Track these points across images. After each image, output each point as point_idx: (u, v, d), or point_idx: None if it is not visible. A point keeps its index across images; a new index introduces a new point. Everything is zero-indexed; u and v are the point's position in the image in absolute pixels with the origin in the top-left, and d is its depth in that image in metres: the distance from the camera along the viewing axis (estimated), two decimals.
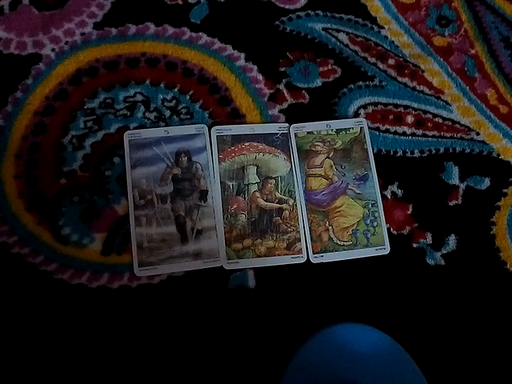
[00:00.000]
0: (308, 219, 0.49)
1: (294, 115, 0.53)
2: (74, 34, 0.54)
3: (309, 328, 0.45)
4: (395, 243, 0.49)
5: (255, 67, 0.54)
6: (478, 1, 0.59)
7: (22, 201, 0.48)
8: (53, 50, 0.53)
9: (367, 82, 0.55)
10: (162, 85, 0.52)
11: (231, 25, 0.56)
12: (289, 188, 0.50)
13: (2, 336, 0.44)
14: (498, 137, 0.54)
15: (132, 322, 0.45)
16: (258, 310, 0.46)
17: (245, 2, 0.57)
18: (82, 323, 0.45)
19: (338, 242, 0.49)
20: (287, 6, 0.57)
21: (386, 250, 0.49)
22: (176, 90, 0.52)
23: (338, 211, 0.49)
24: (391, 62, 0.56)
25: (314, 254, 0.48)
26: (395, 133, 0.53)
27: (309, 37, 0.56)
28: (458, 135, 0.53)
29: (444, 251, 0.49)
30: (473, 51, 0.57)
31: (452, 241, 0.50)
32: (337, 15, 0.57)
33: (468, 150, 0.53)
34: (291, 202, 0.49)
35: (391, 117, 0.54)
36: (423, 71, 0.56)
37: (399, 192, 0.51)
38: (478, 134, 0.54)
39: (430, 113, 0.54)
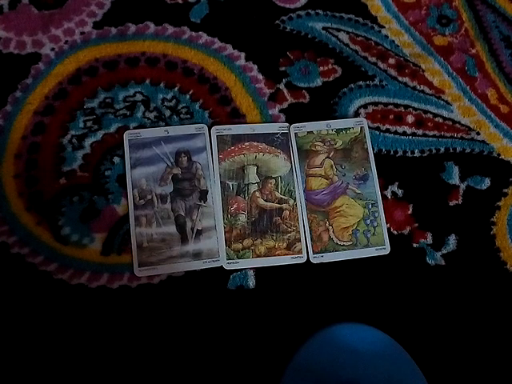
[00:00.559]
0: (308, 219, 0.49)
1: (294, 115, 0.52)
2: (73, 33, 0.53)
3: (309, 328, 0.45)
4: (395, 243, 0.49)
5: (255, 67, 0.54)
6: (478, 0, 0.59)
7: (22, 201, 0.48)
8: (52, 49, 0.53)
9: (367, 82, 0.54)
10: (161, 84, 0.52)
11: (231, 24, 0.55)
12: (289, 188, 0.50)
13: (2, 336, 0.44)
14: (499, 137, 0.53)
15: (132, 322, 0.45)
16: (258, 310, 0.46)
17: (245, 2, 0.57)
18: (82, 323, 0.45)
19: (338, 242, 0.49)
20: (287, 6, 0.57)
21: (386, 250, 0.49)
22: (176, 89, 0.52)
23: (338, 211, 0.49)
24: (391, 61, 0.56)
25: (314, 254, 0.48)
26: (395, 132, 0.53)
27: (309, 36, 0.56)
28: (459, 135, 0.53)
29: (444, 251, 0.49)
30: (473, 51, 0.57)
31: (452, 241, 0.50)
32: (337, 14, 0.57)
33: (468, 150, 0.53)
34: (291, 201, 0.49)
35: (391, 116, 0.54)
36: (424, 71, 0.55)
37: (399, 192, 0.51)
38: (478, 133, 0.54)
39: (431, 112, 0.54)
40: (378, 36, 0.57)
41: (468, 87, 0.55)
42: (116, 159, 0.49)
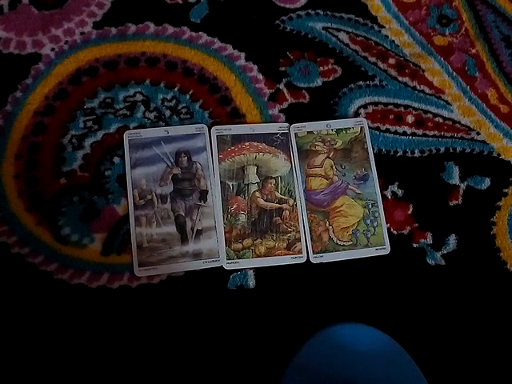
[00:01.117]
0: (308, 219, 0.49)
1: (294, 115, 0.52)
2: (73, 33, 0.53)
3: (309, 328, 0.45)
4: (395, 243, 0.49)
5: (255, 67, 0.54)
6: (478, 0, 0.59)
7: (22, 201, 0.48)
8: (52, 49, 0.53)
9: (367, 82, 0.54)
10: (161, 84, 0.52)
11: (231, 24, 0.55)
12: (289, 188, 0.50)
13: (2, 336, 0.44)
14: (499, 137, 0.53)
15: (132, 322, 0.45)
16: (258, 310, 0.46)
17: (245, 1, 0.57)
18: (82, 323, 0.45)
19: (338, 242, 0.49)
20: (287, 6, 0.57)
21: (386, 250, 0.49)
22: (176, 89, 0.52)
23: (338, 211, 0.49)
24: (391, 61, 0.56)
25: (314, 254, 0.48)
26: (395, 132, 0.53)
27: (309, 36, 0.56)
28: (459, 135, 0.53)
29: (444, 251, 0.49)
30: (473, 51, 0.57)
31: (452, 241, 0.50)
32: (337, 14, 0.57)
33: (468, 150, 0.53)
34: (291, 201, 0.49)
35: (391, 116, 0.53)
36: (424, 71, 0.55)
37: (399, 192, 0.51)
38: (478, 133, 0.54)
39: (431, 112, 0.54)
40: (378, 36, 0.57)
41: (468, 87, 0.55)
42: (116, 159, 0.49)
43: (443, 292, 0.48)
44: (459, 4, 0.59)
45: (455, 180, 0.52)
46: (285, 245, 0.48)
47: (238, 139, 0.51)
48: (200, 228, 0.48)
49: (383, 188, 0.51)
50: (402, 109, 0.54)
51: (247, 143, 0.51)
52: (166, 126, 0.51)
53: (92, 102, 0.51)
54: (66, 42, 0.53)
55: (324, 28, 0.56)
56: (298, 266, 0.48)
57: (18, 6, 0.54)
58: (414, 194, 0.51)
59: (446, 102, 0.54)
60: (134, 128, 0.50)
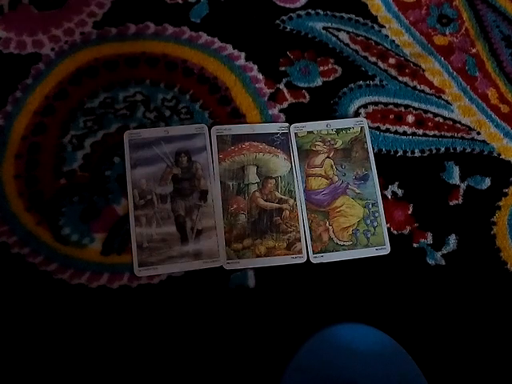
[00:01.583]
0: (308, 219, 0.49)
1: (294, 115, 0.52)
2: (73, 33, 0.53)
3: (309, 328, 0.45)
4: (395, 243, 0.49)
5: (255, 66, 0.54)
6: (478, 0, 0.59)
7: (22, 201, 0.48)
8: (52, 49, 0.53)
9: (368, 82, 0.54)
10: (161, 84, 0.52)
11: (231, 24, 0.55)
12: (289, 188, 0.50)
13: (2, 336, 0.44)
14: (499, 136, 0.53)
15: (132, 322, 0.45)
16: (258, 310, 0.46)
17: (245, 1, 0.57)
18: (82, 323, 0.45)
19: (338, 241, 0.48)
20: (287, 5, 0.57)
21: (386, 249, 0.49)
22: (176, 89, 0.52)
23: (338, 211, 0.49)
24: (392, 61, 0.56)
25: (314, 253, 0.48)
26: (396, 132, 0.53)
27: (309, 36, 0.56)
28: (459, 135, 0.53)
29: (444, 251, 0.49)
30: (474, 50, 0.57)
31: (452, 241, 0.50)
32: (337, 14, 0.57)
33: (469, 150, 0.53)
34: (291, 201, 0.49)
35: (392, 116, 0.53)
36: (424, 70, 0.55)
37: (399, 192, 0.51)
38: (478, 133, 0.53)
39: (431, 112, 0.54)
40: (378, 36, 0.57)
41: (468, 87, 0.55)
42: (116, 159, 0.49)
43: (443, 292, 0.48)
44: (459, 3, 0.59)
45: (455, 180, 0.52)
46: (285, 245, 0.48)
47: (237, 139, 0.51)
48: (200, 228, 0.48)
49: (383, 188, 0.51)
50: (402, 109, 0.54)
51: (247, 143, 0.51)
52: (165, 125, 0.51)
53: (92, 102, 0.51)
54: (66, 42, 0.53)
55: (324, 28, 0.56)
56: (297, 266, 0.48)
57: (18, 5, 0.54)
58: (414, 194, 0.51)
59: (447, 101, 0.54)
60: (134, 128, 0.50)
